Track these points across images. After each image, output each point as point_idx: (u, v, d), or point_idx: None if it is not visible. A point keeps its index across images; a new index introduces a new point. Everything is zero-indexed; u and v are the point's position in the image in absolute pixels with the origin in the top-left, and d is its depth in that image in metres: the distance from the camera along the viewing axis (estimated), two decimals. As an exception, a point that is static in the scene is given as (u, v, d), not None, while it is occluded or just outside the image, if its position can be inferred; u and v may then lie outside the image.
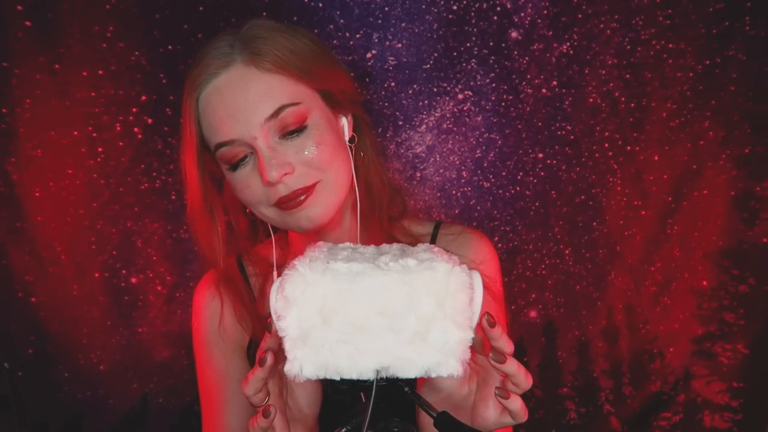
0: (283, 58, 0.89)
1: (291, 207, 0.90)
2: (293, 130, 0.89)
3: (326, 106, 0.94)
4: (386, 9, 1.58)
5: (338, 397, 0.69)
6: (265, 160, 0.87)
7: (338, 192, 0.93)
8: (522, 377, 0.68)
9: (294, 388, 0.79)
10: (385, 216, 1.04)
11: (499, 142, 1.66)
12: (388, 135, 1.65)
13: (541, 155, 1.67)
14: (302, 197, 0.89)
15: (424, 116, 1.65)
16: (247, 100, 0.87)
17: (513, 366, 0.67)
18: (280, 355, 0.67)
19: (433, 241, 1.08)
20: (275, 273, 1.02)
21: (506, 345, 0.68)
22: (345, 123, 0.99)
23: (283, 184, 0.89)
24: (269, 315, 0.65)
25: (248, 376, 0.69)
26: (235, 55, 0.89)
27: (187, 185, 0.97)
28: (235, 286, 1.05)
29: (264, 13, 1.55)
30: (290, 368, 0.60)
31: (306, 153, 0.89)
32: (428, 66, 1.62)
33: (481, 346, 0.72)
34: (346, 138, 0.99)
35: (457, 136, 1.66)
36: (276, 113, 0.87)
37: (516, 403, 0.69)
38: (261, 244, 1.11)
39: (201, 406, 1.08)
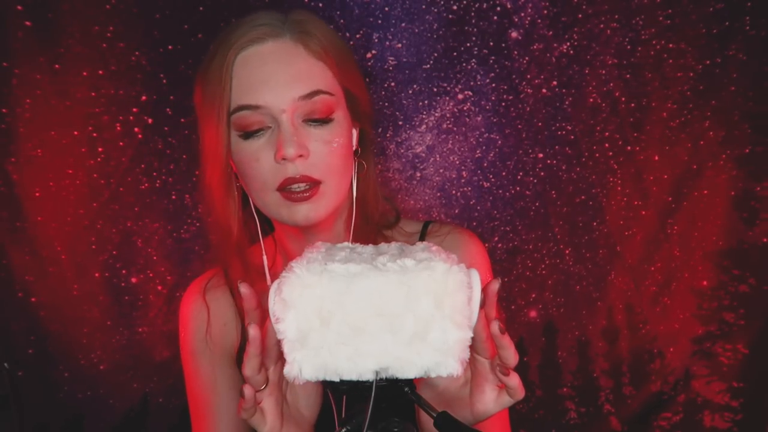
0: (328, 47, 0.90)
1: (294, 199, 0.88)
2: (319, 119, 0.89)
3: (347, 110, 0.95)
4: (386, 9, 1.58)
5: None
6: (286, 136, 0.86)
7: (337, 198, 0.93)
8: (511, 352, 0.69)
9: (294, 385, 0.79)
10: (374, 229, 1.04)
11: (499, 142, 1.66)
12: (388, 135, 1.65)
13: (541, 155, 1.66)
14: (307, 192, 0.88)
15: (424, 116, 1.65)
16: (288, 73, 0.87)
17: (505, 341, 0.69)
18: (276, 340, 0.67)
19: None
20: (269, 278, 1.00)
21: (512, 357, 0.69)
22: (354, 134, 0.98)
23: (293, 165, 0.87)
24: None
25: (244, 356, 0.69)
26: (285, 31, 0.89)
27: (206, 146, 0.93)
28: (242, 263, 1.01)
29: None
30: (289, 370, 0.60)
31: (323, 146, 0.89)
32: (428, 66, 1.62)
33: (480, 345, 0.72)
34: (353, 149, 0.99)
35: (457, 136, 1.66)
36: (311, 95, 0.87)
37: (514, 380, 0.71)
38: (247, 250, 1.06)
39: (190, 417, 1.07)
